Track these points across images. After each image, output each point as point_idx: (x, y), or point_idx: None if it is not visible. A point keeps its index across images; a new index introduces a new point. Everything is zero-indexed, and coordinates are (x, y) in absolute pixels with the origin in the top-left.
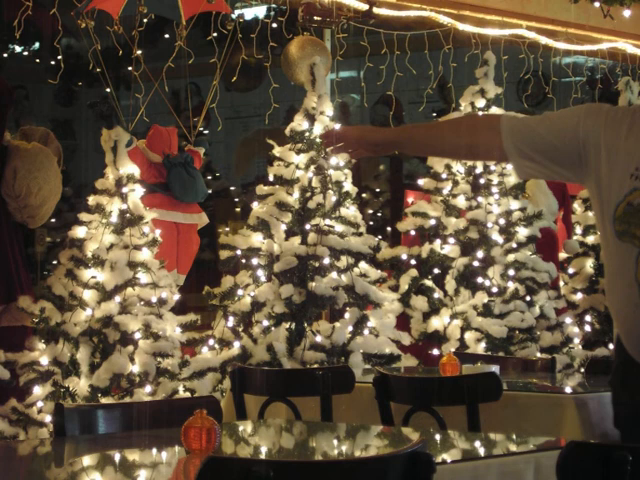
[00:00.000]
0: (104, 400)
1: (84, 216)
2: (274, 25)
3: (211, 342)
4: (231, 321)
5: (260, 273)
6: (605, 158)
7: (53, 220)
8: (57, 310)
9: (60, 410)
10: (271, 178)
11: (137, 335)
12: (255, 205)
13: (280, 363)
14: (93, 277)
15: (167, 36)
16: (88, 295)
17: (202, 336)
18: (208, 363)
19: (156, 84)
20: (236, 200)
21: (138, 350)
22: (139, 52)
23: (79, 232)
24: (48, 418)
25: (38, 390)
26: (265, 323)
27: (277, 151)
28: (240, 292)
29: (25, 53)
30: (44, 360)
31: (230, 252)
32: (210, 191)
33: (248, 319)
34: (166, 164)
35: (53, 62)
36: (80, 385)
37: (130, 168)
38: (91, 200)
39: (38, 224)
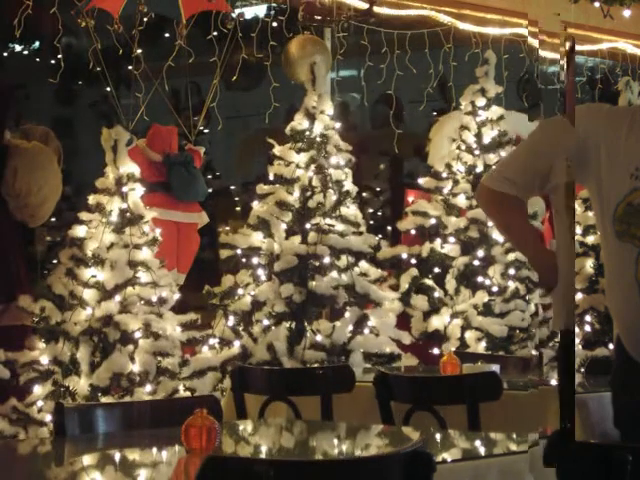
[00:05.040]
0: (104, 399)
1: (84, 215)
2: (274, 24)
3: (211, 341)
4: (231, 320)
5: (260, 272)
6: (605, 158)
7: (53, 219)
8: (57, 309)
9: (60, 409)
10: (271, 177)
11: (137, 334)
12: (255, 204)
13: (280, 362)
14: (93, 276)
15: (167, 35)
16: (88, 294)
17: (202, 335)
18: (208, 362)
19: (156, 83)
20: (236, 199)
21: (138, 349)
22: (139, 51)
23: (79, 231)
24: (48, 417)
25: (38, 389)
26: (265, 322)
27: (277, 150)
28: (240, 291)
29: (25, 52)
30: (44, 359)
31: (230, 251)
32: (210, 190)
33: (248, 318)
34: (166, 163)
35: (53, 61)
36: (80, 384)
37: (130, 167)
38: (91, 199)
39: (38, 223)
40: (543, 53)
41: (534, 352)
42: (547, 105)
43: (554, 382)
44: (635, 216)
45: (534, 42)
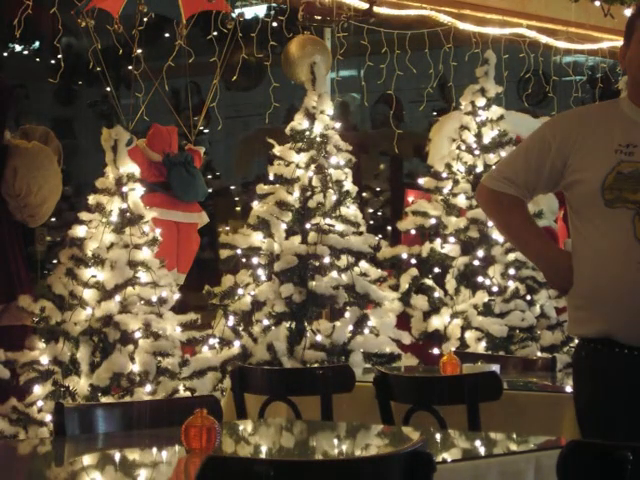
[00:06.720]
0: (104, 399)
1: (84, 215)
2: (274, 24)
3: (211, 341)
4: (231, 320)
5: (260, 272)
6: (580, 146)
7: (53, 219)
8: (57, 309)
9: (60, 409)
10: (271, 177)
11: (137, 334)
12: (255, 204)
13: (280, 362)
14: (93, 276)
15: (167, 35)
16: (88, 294)
17: (202, 335)
18: (208, 362)
19: (156, 83)
20: (236, 199)
21: (138, 349)
22: (139, 51)
23: (79, 231)
24: (48, 417)
25: (38, 389)
26: (265, 322)
27: (277, 150)
28: (240, 291)
29: (25, 52)
30: (44, 359)
31: (230, 251)
32: (210, 190)
33: (248, 318)
34: (166, 163)
35: (53, 61)
36: (80, 384)
37: (130, 167)
38: (91, 199)
39: (38, 223)
40: (557, 43)
41: (539, 354)
42: (561, 96)
43: (569, 389)
44: (626, 182)
45: (541, 37)
